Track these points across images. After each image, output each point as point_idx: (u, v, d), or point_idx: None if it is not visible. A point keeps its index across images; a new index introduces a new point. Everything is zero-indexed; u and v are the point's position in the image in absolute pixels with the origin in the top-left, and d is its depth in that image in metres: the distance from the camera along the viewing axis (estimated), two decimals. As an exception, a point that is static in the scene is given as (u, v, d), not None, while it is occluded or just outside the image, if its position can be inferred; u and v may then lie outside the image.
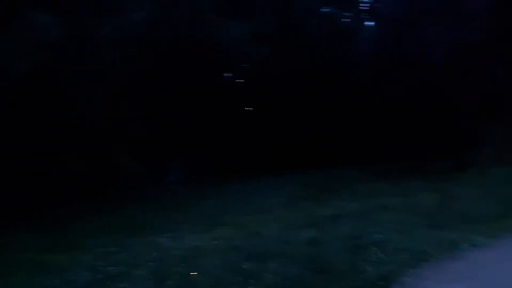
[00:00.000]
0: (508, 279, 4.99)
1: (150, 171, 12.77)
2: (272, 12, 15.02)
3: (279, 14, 15.20)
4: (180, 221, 9.17)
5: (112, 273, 5.89)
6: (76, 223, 9.53)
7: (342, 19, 17.94)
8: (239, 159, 14.25)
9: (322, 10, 17.46)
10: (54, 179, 10.85)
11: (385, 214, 7.77)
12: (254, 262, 5.70)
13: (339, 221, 7.51)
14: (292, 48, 15.28)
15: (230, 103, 15.17)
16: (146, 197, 11.87)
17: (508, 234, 6.46)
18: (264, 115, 16.00)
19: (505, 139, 11.70)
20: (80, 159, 11.63)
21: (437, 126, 14.67)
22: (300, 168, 13.80)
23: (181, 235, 7.89)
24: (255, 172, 13.48)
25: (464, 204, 8.15)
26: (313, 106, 16.09)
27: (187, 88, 13.14)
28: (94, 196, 11.32)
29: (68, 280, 5.84)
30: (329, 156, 14.78)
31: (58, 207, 10.49)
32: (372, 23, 17.37)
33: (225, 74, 15.71)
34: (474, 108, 12.93)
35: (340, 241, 6.35)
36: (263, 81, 15.47)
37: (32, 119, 10.33)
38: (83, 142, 11.61)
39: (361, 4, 18.13)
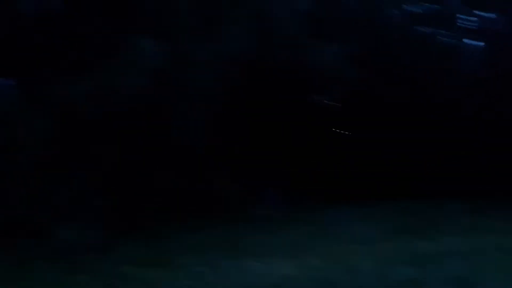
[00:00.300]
0: None
1: (246, 192, 12.86)
2: (367, 33, 14.58)
3: (374, 35, 14.71)
4: (272, 246, 9.07)
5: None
6: (172, 240, 9.86)
7: (442, 39, 16.83)
8: (335, 184, 13.83)
9: (420, 29, 16.56)
10: (155, 196, 11.38)
11: (499, 255, 6.91)
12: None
13: (444, 260, 6.83)
14: (389, 70, 14.65)
15: (324, 127, 14.90)
16: (240, 219, 11.93)
17: None
18: (359, 140, 15.45)
19: None
20: (179, 178, 12.06)
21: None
22: (398, 196, 13.01)
23: (272, 261, 7.79)
24: (351, 199, 12.97)
25: None
26: (410, 131, 15.20)
27: (282, 111, 13.16)
28: (190, 215, 11.64)
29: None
30: (431, 184, 13.76)
31: (157, 223, 10.94)
32: (477, 44, 16.07)
33: (319, 97, 15.51)
34: None
35: (445, 283, 5.72)
36: (358, 104, 14.99)
37: (133, 140, 11.00)
38: (182, 161, 12.06)
39: (464, 23, 16.89)
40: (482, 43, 15.71)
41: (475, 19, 16.34)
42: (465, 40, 16.31)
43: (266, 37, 11.41)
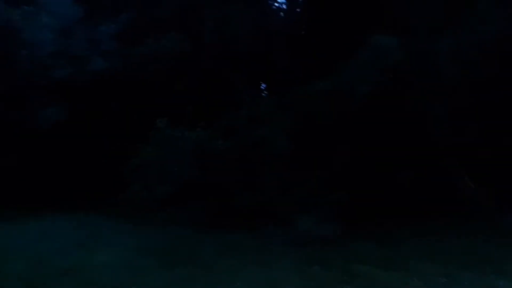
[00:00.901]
0: None
1: (493, 196, 11.26)
2: None
3: None
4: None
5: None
6: (406, 242, 9.47)
7: None
8: None
9: None
10: (391, 195, 11.14)
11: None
12: None
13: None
14: None
15: None
16: (485, 226, 10.52)
17: None
18: None
19: None
20: (418, 178, 11.50)
21: None
22: None
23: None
24: None
25: None
26: None
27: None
28: (427, 217, 10.93)
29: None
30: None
31: (391, 222, 10.67)
32: None
33: None
34: None
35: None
36: None
37: (371, 138, 10.99)
38: (422, 160, 11.45)
39: None
40: None
41: None
42: None
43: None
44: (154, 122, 11.10)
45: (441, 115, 10.82)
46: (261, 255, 8.53)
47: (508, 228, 10.21)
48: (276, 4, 13.54)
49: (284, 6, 13.35)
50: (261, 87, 13.44)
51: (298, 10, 13.22)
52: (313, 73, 10.91)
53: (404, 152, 11.08)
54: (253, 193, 10.11)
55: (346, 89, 10.51)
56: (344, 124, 10.81)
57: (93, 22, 14.00)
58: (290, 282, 7.15)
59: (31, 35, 13.33)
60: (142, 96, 13.16)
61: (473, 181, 11.50)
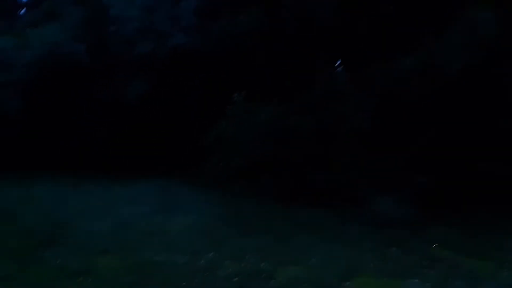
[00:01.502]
0: None
1: None
2: None
3: None
4: None
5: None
6: (493, 230, 8.79)
7: None
8: None
9: None
10: (477, 180, 10.40)
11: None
12: None
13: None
14: None
15: None
16: None
17: None
18: None
19: None
20: (506, 164, 10.60)
21: None
22: None
23: None
24: None
25: None
26: None
27: None
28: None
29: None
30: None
31: (475, 209, 10.01)
32: None
33: None
34: None
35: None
36: None
37: (457, 118, 10.27)
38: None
39: None
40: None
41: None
42: None
43: None
44: (232, 96, 11.22)
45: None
46: (337, 233, 8.34)
47: None
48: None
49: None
50: (339, 63, 12.99)
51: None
52: (396, 50, 10.33)
53: (494, 137, 10.23)
54: (328, 171, 9.88)
55: (435, 66, 9.85)
56: (430, 103, 10.16)
57: (174, -2, 14.35)
58: (367, 262, 6.88)
59: (119, 11, 13.97)
60: (220, 70, 13.32)
61: None
